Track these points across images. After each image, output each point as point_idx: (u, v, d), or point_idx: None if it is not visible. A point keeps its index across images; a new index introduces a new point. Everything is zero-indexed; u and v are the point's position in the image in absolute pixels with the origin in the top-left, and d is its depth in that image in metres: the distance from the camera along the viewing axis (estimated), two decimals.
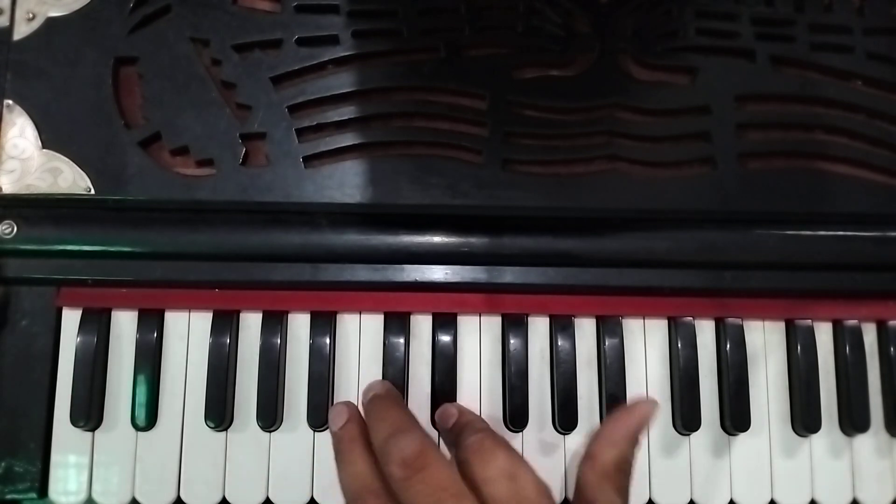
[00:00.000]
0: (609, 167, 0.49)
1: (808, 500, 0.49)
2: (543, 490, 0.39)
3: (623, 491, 0.42)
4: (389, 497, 0.39)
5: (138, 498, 0.47)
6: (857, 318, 0.50)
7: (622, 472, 0.43)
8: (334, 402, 0.48)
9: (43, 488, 0.47)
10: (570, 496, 0.48)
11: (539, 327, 0.50)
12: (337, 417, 0.44)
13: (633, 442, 0.43)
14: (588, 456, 0.43)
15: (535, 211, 0.48)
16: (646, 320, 0.50)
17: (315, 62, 0.49)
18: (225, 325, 0.48)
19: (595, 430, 0.47)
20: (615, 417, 0.45)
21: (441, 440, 0.47)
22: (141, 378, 0.47)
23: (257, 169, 0.48)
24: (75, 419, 0.47)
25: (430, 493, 0.37)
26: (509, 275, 0.49)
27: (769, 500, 0.49)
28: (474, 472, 0.39)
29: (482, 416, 0.48)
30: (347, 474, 0.42)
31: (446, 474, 0.38)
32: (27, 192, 0.48)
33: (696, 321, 0.50)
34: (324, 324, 0.48)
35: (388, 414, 0.42)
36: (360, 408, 0.46)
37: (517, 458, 0.40)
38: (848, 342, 0.50)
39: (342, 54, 0.49)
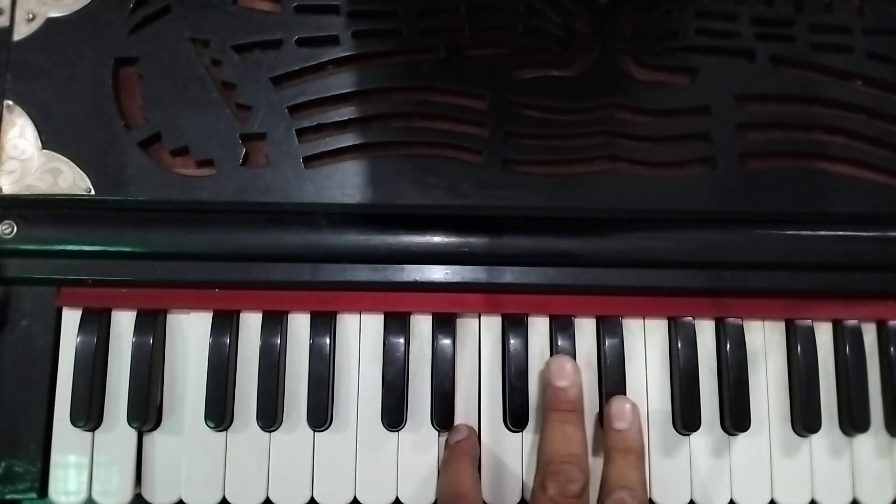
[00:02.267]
0: (609, 167, 0.49)
1: (808, 500, 0.49)
2: None
3: None
4: None
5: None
6: (857, 318, 0.50)
7: None
8: (335, 402, 0.48)
9: (43, 488, 0.47)
10: None
11: (539, 327, 0.50)
12: (458, 433, 0.47)
13: None
14: None
15: (535, 211, 0.48)
16: (646, 320, 0.50)
17: (315, 62, 0.49)
18: (225, 325, 0.48)
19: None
20: None
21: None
22: (140, 378, 0.47)
23: (257, 169, 0.48)
24: (75, 419, 0.47)
25: None
26: (509, 275, 0.49)
27: (769, 500, 0.49)
28: None
29: (482, 416, 0.48)
30: (451, 480, 0.45)
31: None
32: (27, 192, 0.48)
33: (696, 321, 0.50)
34: (324, 324, 0.48)
35: (573, 433, 0.45)
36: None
37: None
38: (848, 342, 0.50)
39: (342, 54, 0.49)
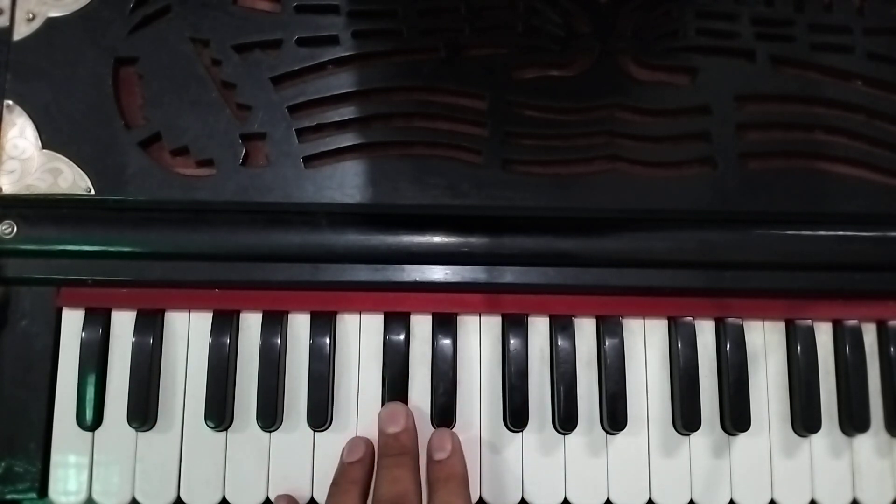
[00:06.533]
0: (609, 167, 0.49)
1: (808, 500, 0.49)
2: None
3: None
4: None
5: (138, 498, 0.47)
6: (857, 318, 0.50)
7: None
8: (335, 402, 0.48)
9: (43, 488, 0.47)
10: (570, 497, 0.48)
11: (539, 327, 0.50)
12: (353, 450, 0.46)
13: None
14: None
15: (535, 211, 0.48)
16: (646, 320, 0.50)
17: (315, 62, 0.49)
18: (225, 325, 0.48)
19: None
20: None
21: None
22: (139, 378, 0.47)
23: (257, 169, 0.48)
24: (76, 419, 0.47)
25: None
26: (509, 275, 0.49)
27: (769, 500, 0.49)
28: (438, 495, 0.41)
29: (482, 416, 0.48)
30: None
31: None
32: (27, 192, 0.48)
33: (696, 321, 0.50)
34: (324, 324, 0.48)
35: (401, 475, 0.44)
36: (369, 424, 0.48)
37: None
38: (848, 342, 0.50)
39: (342, 54, 0.49)
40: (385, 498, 0.42)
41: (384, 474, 0.44)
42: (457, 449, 0.46)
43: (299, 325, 0.49)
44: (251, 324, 0.49)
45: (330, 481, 0.46)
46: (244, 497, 0.47)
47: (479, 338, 0.49)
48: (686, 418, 0.48)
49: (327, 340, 0.48)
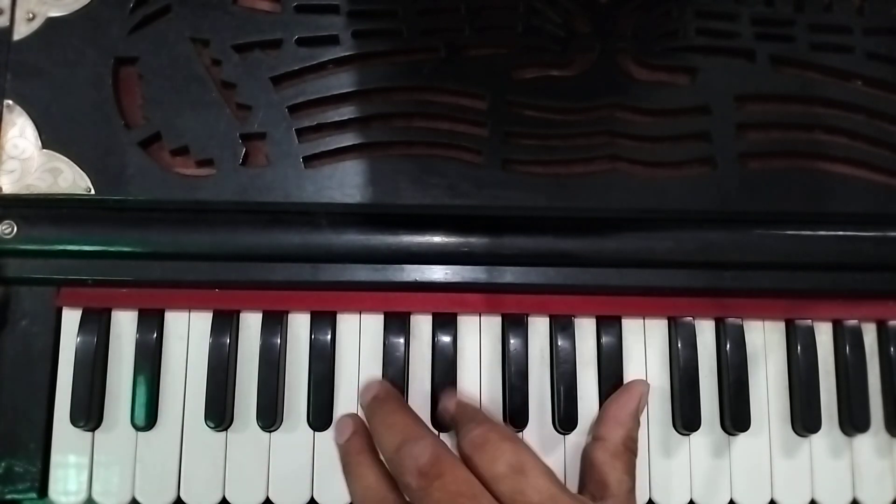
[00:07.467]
0: (609, 167, 0.49)
1: (808, 500, 0.49)
2: (553, 478, 0.40)
3: (631, 469, 0.44)
4: None
5: (138, 498, 0.47)
6: (857, 318, 0.50)
7: (630, 450, 0.45)
8: (335, 402, 0.48)
9: (43, 488, 0.47)
10: None
11: (539, 327, 0.50)
12: (343, 430, 0.45)
13: (636, 420, 0.46)
14: (597, 437, 0.45)
15: (535, 211, 0.48)
16: (646, 320, 0.50)
17: (315, 62, 0.49)
18: (225, 325, 0.48)
19: (595, 416, 0.48)
20: (616, 399, 0.47)
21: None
22: (141, 378, 0.47)
23: (257, 169, 0.48)
24: (75, 419, 0.47)
25: (449, 499, 0.37)
26: (509, 275, 0.49)
27: (769, 500, 0.49)
28: (481, 470, 0.39)
29: None
30: (359, 487, 0.42)
31: (463, 478, 0.38)
32: (27, 192, 0.48)
33: (696, 321, 0.50)
34: (324, 324, 0.48)
35: (393, 420, 0.42)
36: (360, 410, 0.47)
37: (523, 449, 0.40)
38: (848, 342, 0.50)
39: (342, 54, 0.49)
40: (391, 444, 0.40)
41: (378, 422, 0.42)
42: (477, 407, 0.46)
43: (299, 325, 0.49)
44: (251, 324, 0.49)
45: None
46: (244, 497, 0.47)
47: (479, 338, 0.49)
48: (686, 418, 0.48)
49: (328, 340, 0.48)
